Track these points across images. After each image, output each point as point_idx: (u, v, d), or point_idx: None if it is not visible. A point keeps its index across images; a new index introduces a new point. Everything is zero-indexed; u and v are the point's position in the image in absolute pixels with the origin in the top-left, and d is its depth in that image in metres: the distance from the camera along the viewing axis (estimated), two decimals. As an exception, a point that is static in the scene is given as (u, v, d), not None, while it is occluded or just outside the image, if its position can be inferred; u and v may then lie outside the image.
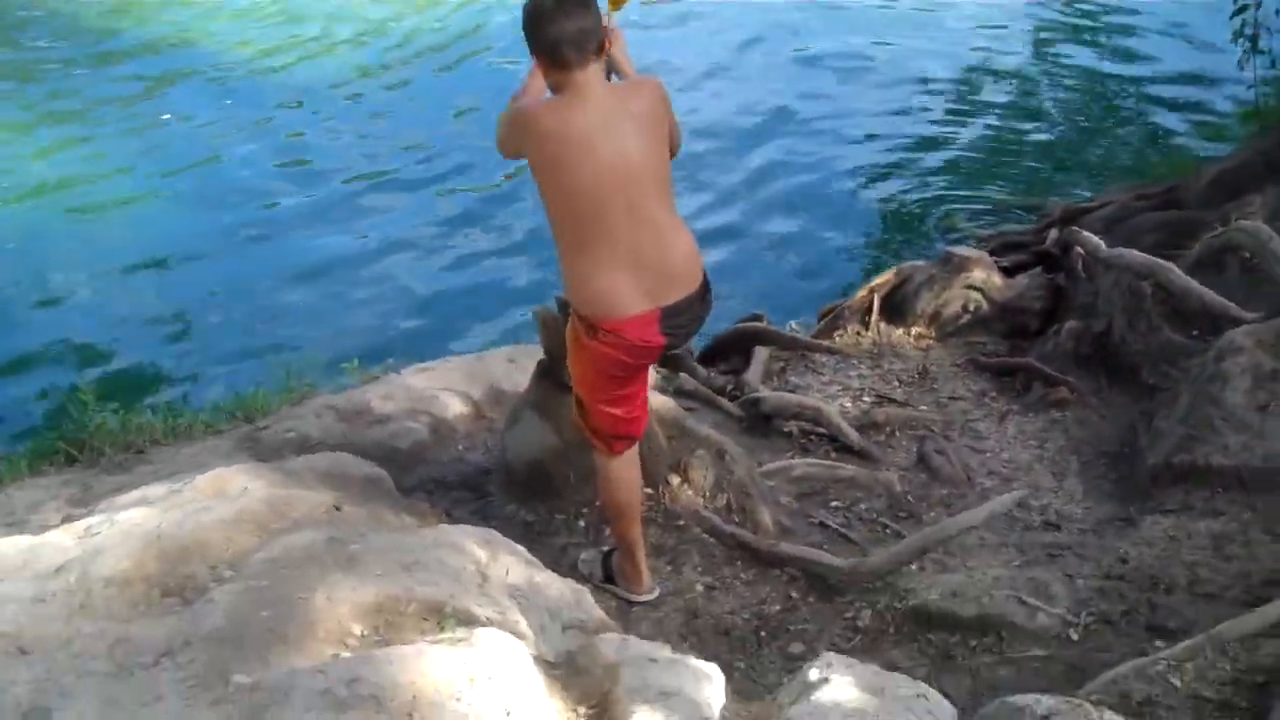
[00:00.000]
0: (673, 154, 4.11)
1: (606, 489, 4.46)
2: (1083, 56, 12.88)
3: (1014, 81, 12.26)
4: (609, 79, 4.14)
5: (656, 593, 4.59)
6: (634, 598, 4.56)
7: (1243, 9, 8.31)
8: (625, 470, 4.42)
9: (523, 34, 3.93)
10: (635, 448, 4.44)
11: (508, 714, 2.86)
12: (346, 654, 3.13)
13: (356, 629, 3.32)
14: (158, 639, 3.27)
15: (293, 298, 8.32)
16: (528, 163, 4.02)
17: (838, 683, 3.13)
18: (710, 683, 3.25)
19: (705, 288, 4.16)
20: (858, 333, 7.22)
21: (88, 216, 9.35)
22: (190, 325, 7.97)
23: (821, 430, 6.04)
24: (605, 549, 4.73)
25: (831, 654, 3.36)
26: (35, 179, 9.98)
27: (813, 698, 3.06)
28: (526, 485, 5.04)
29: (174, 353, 7.59)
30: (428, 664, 2.95)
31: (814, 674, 3.20)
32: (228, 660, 3.09)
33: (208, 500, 4.17)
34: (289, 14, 13.91)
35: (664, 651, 3.43)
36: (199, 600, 3.47)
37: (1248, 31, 8.32)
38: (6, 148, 10.42)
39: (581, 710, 3.19)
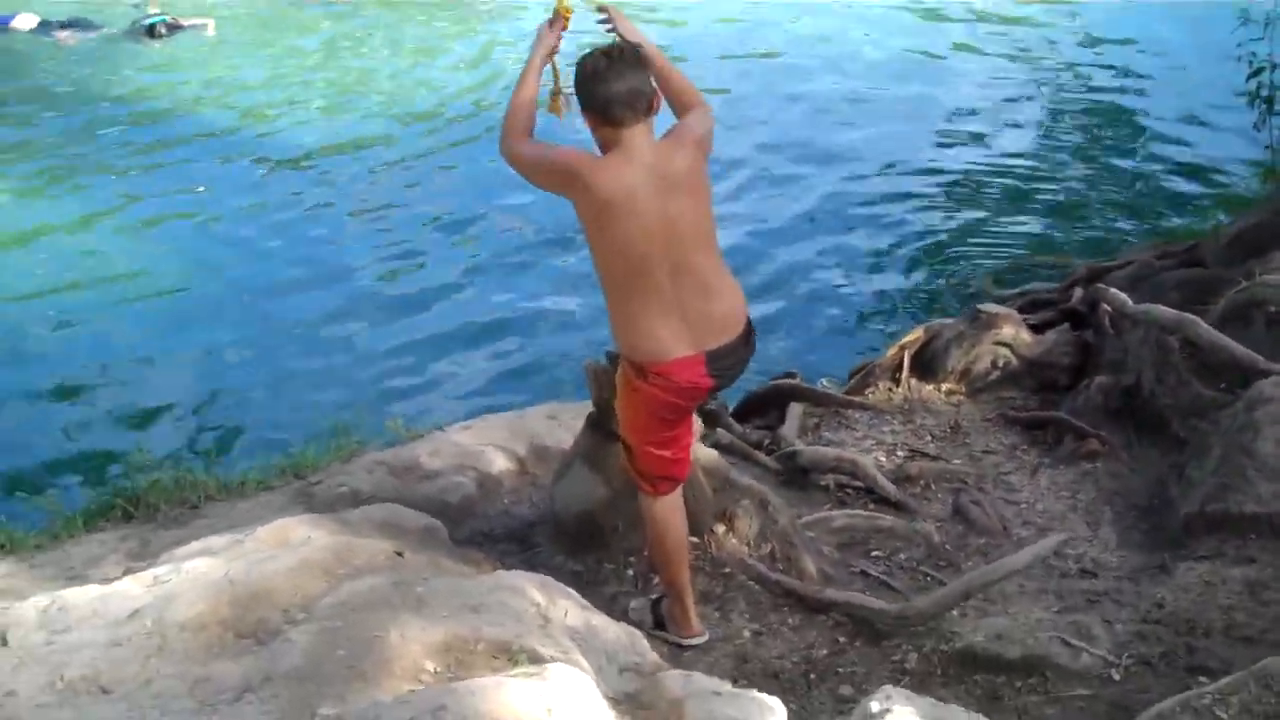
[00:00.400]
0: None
1: (654, 532, 4.58)
2: (1103, 118, 13.09)
3: (1036, 143, 12.46)
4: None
5: (706, 636, 4.69)
6: (685, 641, 4.66)
7: (1258, 71, 8.51)
8: (671, 513, 4.54)
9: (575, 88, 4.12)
10: (679, 492, 4.57)
11: (586, 734, 2.97)
12: (423, 688, 3.25)
13: (430, 666, 3.43)
14: (237, 677, 3.40)
15: (328, 359, 8.51)
16: (574, 207, 4.17)
17: (899, 713, 3.23)
18: (774, 715, 3.36)
19: (749, 331, 4.33)
20: (889, 389, 7.34)
21: (126, 285, 9.53)
22: (231, 389, 8.15)
23: (858, 484, 6.15)
24: (654, 596, 4.83)
25: (890, 687, 3.47)
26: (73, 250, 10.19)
27: (873, 723, 3.17)
28: (575, 535, 5.15)
29: (220, 415, 7.77)
30: (507, 694, 3.06)
31: (875, 705, 3.31)
32: (310, 695, 3.22)
33: (272, 549, 4.30)
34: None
35: (727, 686, 3.55)
36: (274, 641, 3.60)
37: (1263, 94, 8.51)
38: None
39: (651, 740, 3.31)
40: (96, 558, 5.21)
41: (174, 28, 15.53)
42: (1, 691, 3.40)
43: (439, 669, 3.42)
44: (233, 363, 8.41)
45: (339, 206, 11.31)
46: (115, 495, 5.74)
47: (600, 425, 4.99)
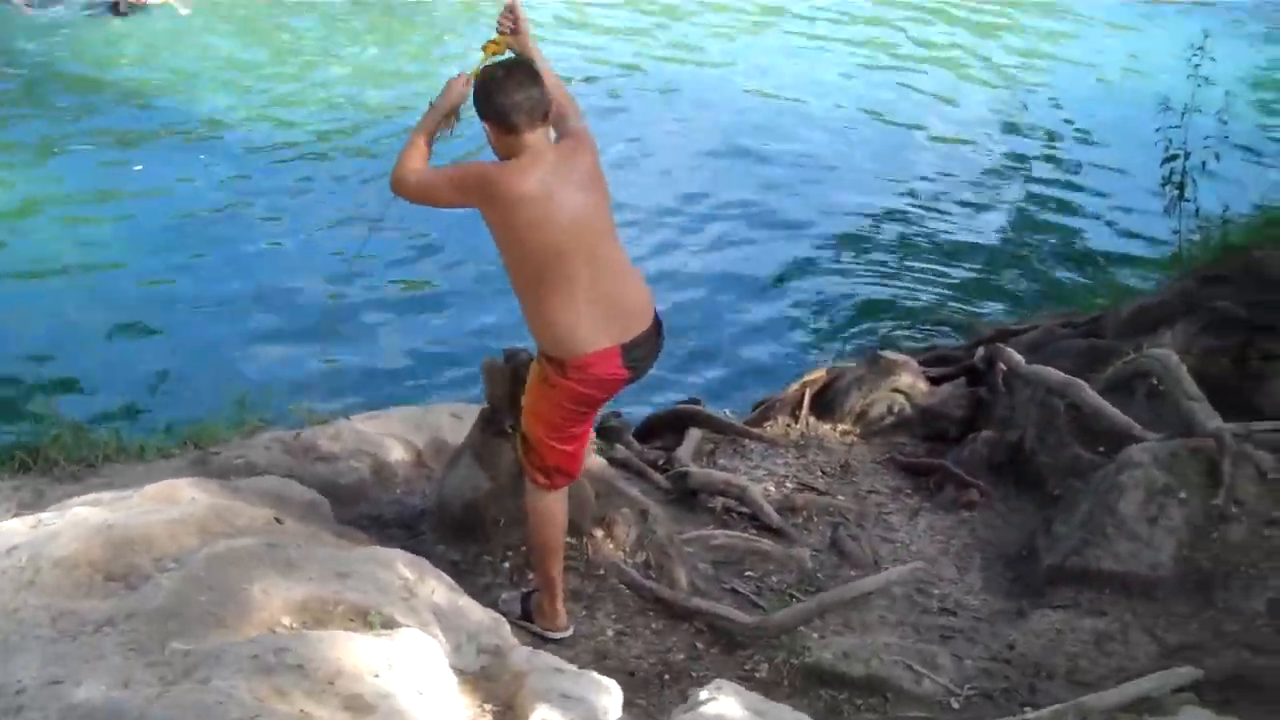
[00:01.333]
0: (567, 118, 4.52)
1: (536, 523, 4.76)
2: (1028, 189, 13.46)
3: (963, 207, 12.76)
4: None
5: (570, 631, 4.86)
6: (549, 634, 4.82)
7: (1171, 158, 8.83)
8: (557, 507, 4.73)
9: (474, 99, 4.35)
10: (566, 491, 4.76)
11: (420, 694, 3.14)
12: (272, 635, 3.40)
13: (287, 621, 3.58)
14: (101, 613, 3.54)
15: (248, 337, 8.63)
16: (486, 219, 4.36)
17: (725, 701, 3.43)
18: (609, 694, 3.55)
19: (658, 322, 4.56)
20: (787, 425, 7.54)
21: (60, 257, 9.61)
22: (148, 356, 8.25)
23: (744, 509, 6.34)
24: (525, 590, 5.00)
25: (722, 680, 3.66)
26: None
27: (699, 710, 3.35)
28: (458, 526, 5.29)
29: (131, 380, 7.87)
30: (352, 646, 3.23)
31: (704, 694, 3.51)
32: (167, 633, 3.36)
33: (156, 504, 4.43)
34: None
35: (570, 666, 3.73)
36: (143, 584, 3.73)
37: (1175, 180, 8.83)
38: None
39: (489, 708, 3.48)
40: (-12, 503, 5.33)
41: (136, 6, 15.47)
42: None
43: (295, 625, 3.56)
44: (157, 340, 8.50)
45: (288, 194, 11.37)
46: (15, 447, 5.84)
47: (492, 422, 5.17)
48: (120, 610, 3.52)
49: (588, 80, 14.81)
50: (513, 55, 4.64)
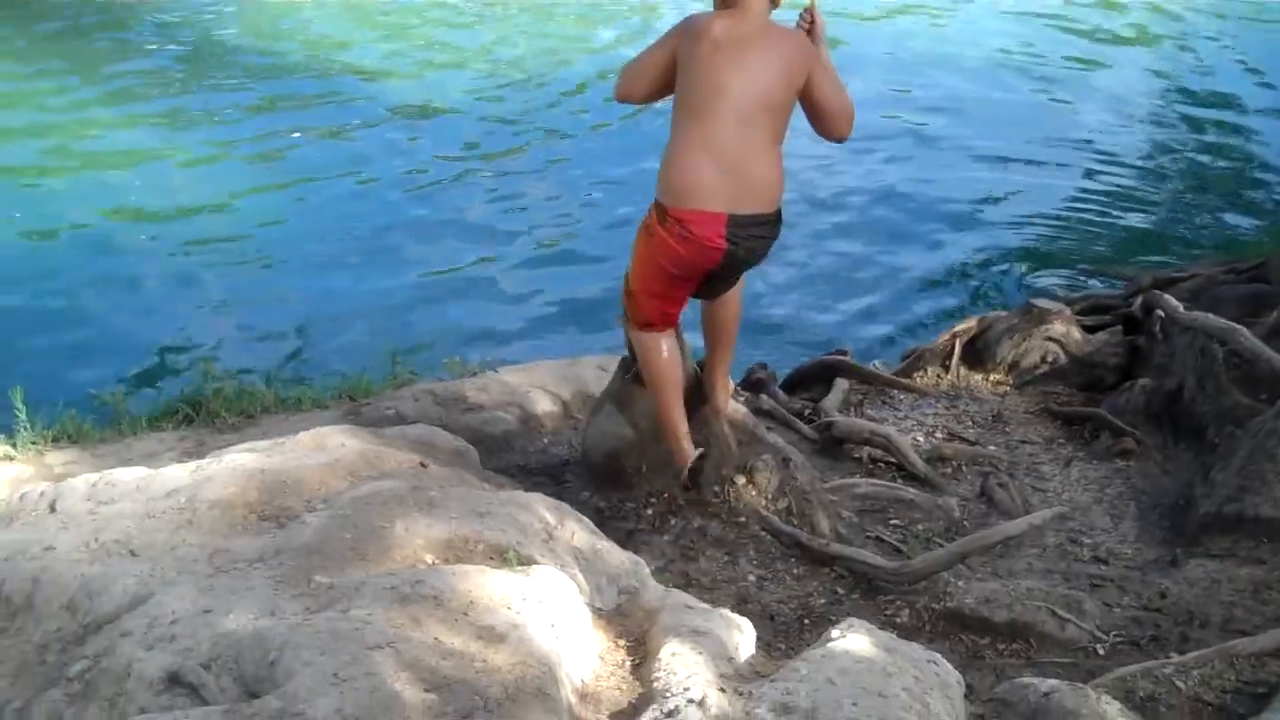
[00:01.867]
0: (828, 115, 4.64)
1: (646, 360, 4.90)
2: (1188, 133, 13.06)
3: (1121, 149, 12.43)
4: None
5: (697, 454, 4.97)
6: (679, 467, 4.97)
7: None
8: (666, 342, 4.86)
9: None
10: (670, 335, 4.89)
11: (552, 626, 3.20)
12: (410, 568, 3.50)
13: (428, 558, 3.67)
14: (253, 550, 3.68)
15: (400, 298, 8.83)
16: (679, 65, 4.52)
17: (855, 638, 3.42)
18: (740, 632, 3.58)
19: (778, 217, 4.60)
20: (938, 375, 7.47)
21: (219, 219, 9.91)
22: (307, 318, 8.49)
23: (891, 459, 6.33)
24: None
25: (854, 619, 3.66)
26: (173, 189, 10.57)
27: (829, 646, 3.36)
28: (601, 474, 5.37)
29: (287, 335, 8.15)
30: (487, 579, 3.31)
31: (836, 631, 3.51)
32: (312, 567, 3.48)
33: (308, 451, 4.58)
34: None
35: (701, 604, 3.76)
36: (292, 523, 3.87)
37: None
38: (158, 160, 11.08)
39: (622, 642, 3.53)
40: (154, 453, 5.56)
41: None
42: (41, 546, 3.70)
43: (436, 561, 3.66)
44: (303, 297, 8.74)
45: (439, 161, 11.57)
46: (179, 400, 6.08)
47: (630, 369, 5.22)
48: (270, 547, 3.65)
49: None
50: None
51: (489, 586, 3.27)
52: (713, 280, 4.74)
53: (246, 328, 8.35)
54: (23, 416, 5.71)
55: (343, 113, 12.34)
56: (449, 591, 3.20)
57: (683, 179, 4.45)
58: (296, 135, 11.50)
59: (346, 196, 10.52)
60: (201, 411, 5.96)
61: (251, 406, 6.00)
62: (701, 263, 4.56)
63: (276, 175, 10.86)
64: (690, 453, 4.95)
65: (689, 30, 4.50)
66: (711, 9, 4.61)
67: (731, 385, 5.24)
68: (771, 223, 4.58)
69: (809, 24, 4.72)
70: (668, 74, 4.60)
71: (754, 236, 4.54)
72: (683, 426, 4.95)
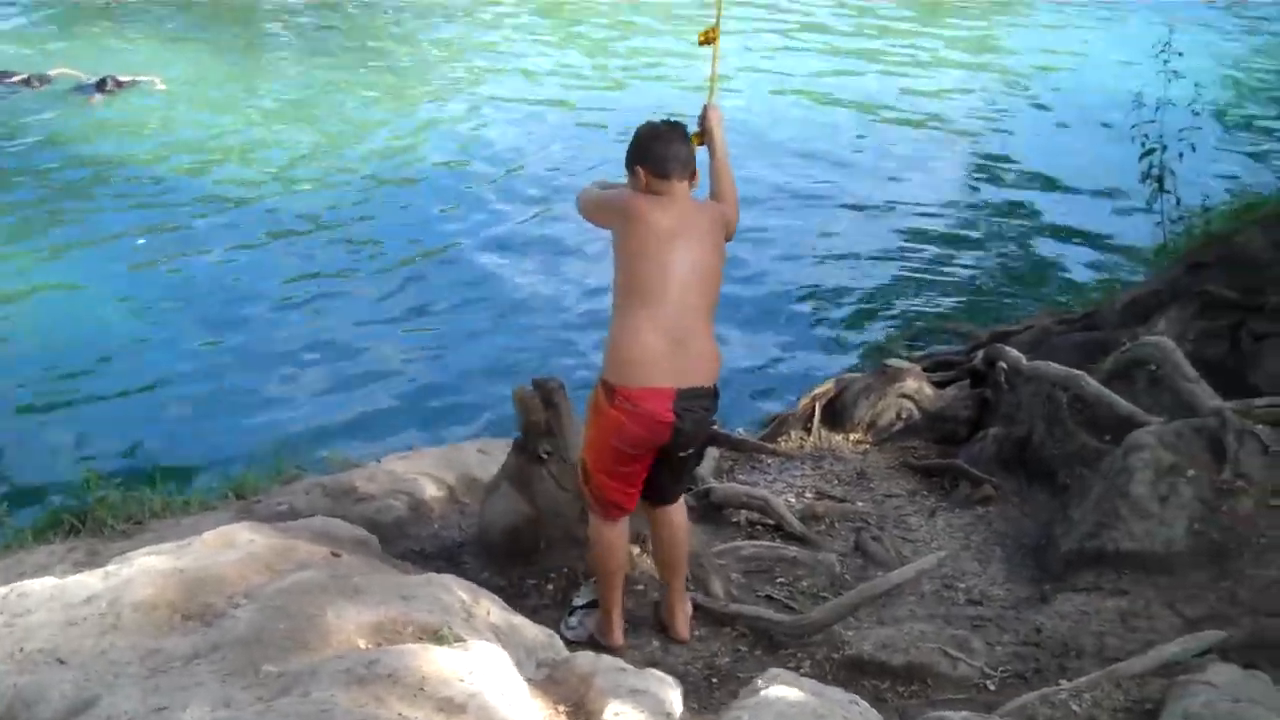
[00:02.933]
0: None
1: (597, 553, 5.06)
2: (1010, 193, 13.73)
3: (948, 213, 13.00)
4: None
5: (622, 643, 5.08)
6: (604, 642, 5.05)
7: (1149, 152, 9.13)
8: (617, 537, 5.02)
9: (630, 149, 4.85)
10: (626, 521, 5.03)
11: (502, 694, 3.34)
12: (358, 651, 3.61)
13: (362, 643, 3.77)
14: (186, 648, 3.74)
15: (270, 384, 8.84)
16: (613, 235, 4.85)
17: (782, 689, 3.63)
18: (673, 689, 3.75)
19: (716, 391, 4.88)
20: (801, 438, 7.76)
21: (72, 323, 9.78)
22: (174, 415, 8.45)
23: (768, 520, 6.56)
24: (579, 602, 5.22)
25: (777, 669, 3.87)
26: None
27: (759, 695, 3.56)
28: (501, 551, 5.52)
29: (164, 439, 8.09)
30: (433, 656, 3.44)
31: (760, 682, 3.71)
32: (255, 658, 3.57)
33: (218, 549, 4.63)
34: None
35: (631, 666, 3.93)
36: (221, 620, 3.94)
37: (1154, 173, 9.12)
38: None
39: (561, 708, 3.68)
40: (46, 565, 5.51)
41: (120, 84, 15.71)
42: (-37, 663, 3.70)
43: (370, 645, 3.77)
44: (178, 395, 8.68)
45: (290, 255, 11.56)
46: (63, 510, 6.05)
47: (526, 448, 5.39)
48: (205, 643, 3.72)
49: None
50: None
51: (437, 662, 3.40)
52: (661, 466, 4.93)
53: (96, 430, 8.26)
54: (-97, 537, 5.63)
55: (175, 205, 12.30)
56: (402, 669, 3.32)
57: (632, 358, 4.68)
58: (141, 241, 11.41)
59: (188, 298, 10.45)
60: (88, 520, 5.93)
61: (139, 512, 6.00)
62: (651, 438, 4.76)
63: (122, 270, 10.76)
64: (618, 638, 5.13)
65: (627, 213, 4.78)
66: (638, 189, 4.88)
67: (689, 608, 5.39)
68: (712, 396, 4.86)
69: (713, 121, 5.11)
70: (599, 223, 5.00)
71: (699, 409, 4.78)
72: (618, 609, 5.14)
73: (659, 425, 4.68)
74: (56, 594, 4.26)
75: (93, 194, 12.65)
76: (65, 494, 6.78)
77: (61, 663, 3.76)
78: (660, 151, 4.76)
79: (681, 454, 4.89)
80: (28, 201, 12.42)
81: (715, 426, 7.68)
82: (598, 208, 4.98)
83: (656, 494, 5.05)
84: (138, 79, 16.06)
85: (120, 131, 14.47)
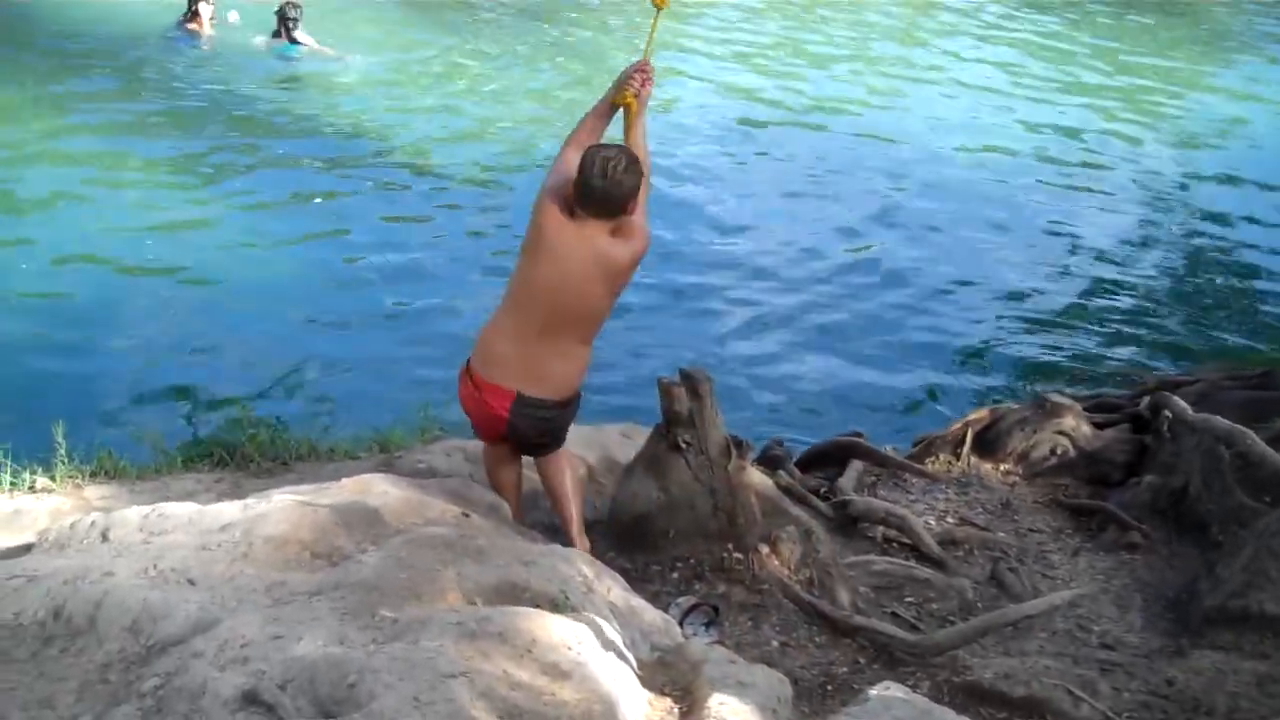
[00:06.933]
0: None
1: (483, 460, 5.54)
2: (1194, 239, 13.29)
3: (1132, 260, 12.63)
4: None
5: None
6: None
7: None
8: (493, 451, 5.37)
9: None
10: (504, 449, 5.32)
11: (609, 668, 3.34)
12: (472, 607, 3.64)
13: (479, 602, 3.81)
14: (310, 585, 3.82)
15: (428, 350, 8.94)
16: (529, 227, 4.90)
17: (891, 699, 3.57)
18: (782, 684, 3.72)
19: (564, 405, 5.03)
20: (949, 461, 7.62)
21: (242, 270, 10.00)
22: (336, 366, 8.62)
23: (904, 540, 6.46)
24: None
25: (892, 682, 3.80)
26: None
27: (869, 703, 3.50)
28: (630, 535, 5.50)
29: (321, 386, 8.26)
30: (545, 622, 3.45)
31: (874, 691, 3.65)
32: (373, 601, 3.62)
33: (354, 495, 4.72)
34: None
35: (742, 659, 3.90)
36: (346, 562, 4.01)
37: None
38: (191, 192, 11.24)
39: (668, 690, 3.67)
40: (191, 492, 5.68)
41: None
42: (101, 571, 3.82)
43: (486, 605, 3.80)
44: (340, 351, 8.81)
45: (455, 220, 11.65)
46: (214, 443, 6.22)
47: (666, 436, 5.38)
48: (329, 582, 3.79)
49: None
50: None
51: (548, 628, 3.41)
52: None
53: (260, 376, 8.45)
54: (62, 450, 5.83)
55: (370, 170, 12.44)
56: (512, 630, 3.33)
57: (487, 354, 4.96)
58: (318, 200, 11.60)
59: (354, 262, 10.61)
60: (236, 455, 6.09)
61: (286, 453, 6.14)
62: (487, 425, 5.09)
63: (302, 226, 10.96)
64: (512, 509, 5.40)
65: (539, 218, 4.83)
66: None
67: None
68: (557, 407, 5.00)
69: (640, 84, 5.01)
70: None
71: (538, 418, 4.99)
72: (505, 494, 5.43)
73: (494, 417, 4.97)
74: (195, 519, 4.40)
75: (278, 149, 12.88)
76: (219, 427, 6.93)
77: (191, 583, 3.87)
78: (592, 182, 4.66)
79: (530, 444, 5.19)
80: (218, 146, 12.71)
81: (861, 439, 7.65)
82: (543, 192, 4.90)
83: (526, 452, 5.36)
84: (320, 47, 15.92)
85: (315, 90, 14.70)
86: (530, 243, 4.86)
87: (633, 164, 4.71)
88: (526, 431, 5.05)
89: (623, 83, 5.03)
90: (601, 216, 4.74)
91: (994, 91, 17.43)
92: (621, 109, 5.07)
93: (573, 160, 4.79)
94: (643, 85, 5.02)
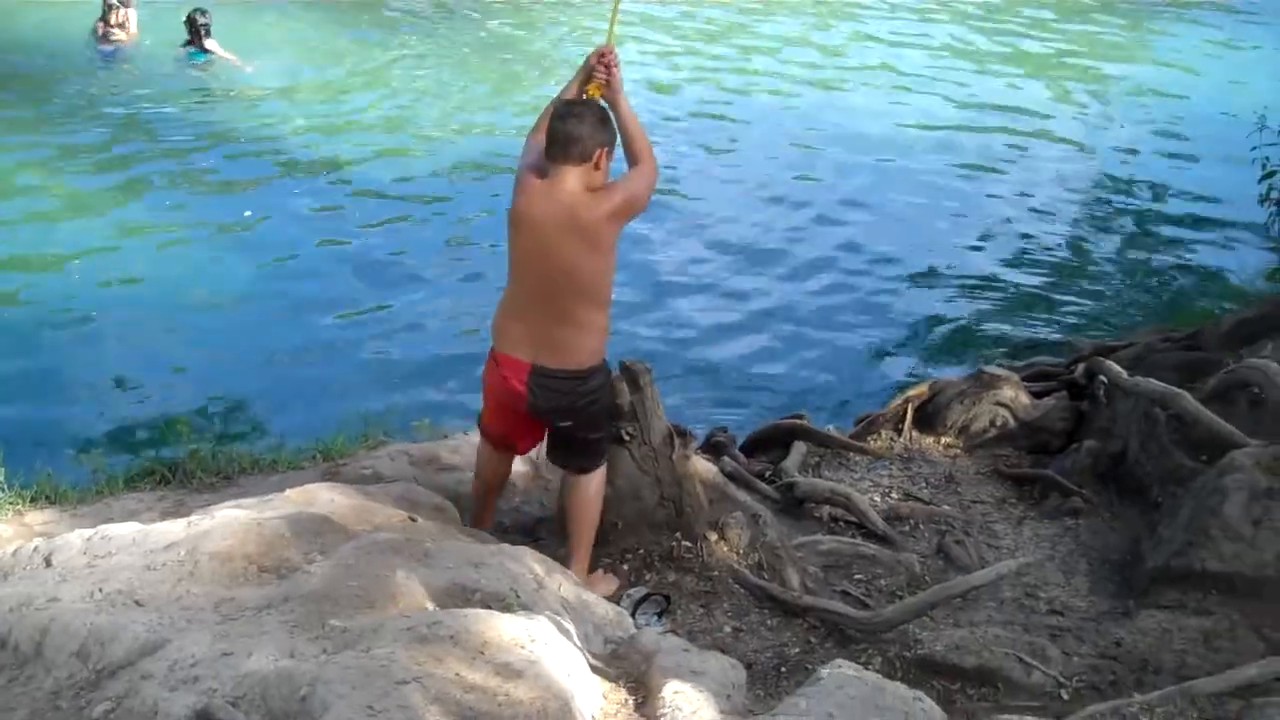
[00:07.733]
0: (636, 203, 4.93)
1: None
2: (1120, 206, 13.41)
3: (1059, 228, 12.74)
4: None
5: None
6: None
7: (1270, 174, 8.90)
8: (484, 450, 5.44)
9: None
10: (500, 452, 5.44)
11: (563, 665, 3.35)
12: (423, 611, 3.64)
13: (429, 605, 3.81)
14: (259, 599, 3.80)
15: (366, 357, 8.91)
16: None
17: (844, 677, 3.60)
18: (735, 670, 3.75)
19: (582, 377, 4.96)
20: (891, 438, 7.68)
21: (171, 289, 9.90)
22: (274, 378, 8.55)
23: (850, 518, 6.52)
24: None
25: (843, 660, 3.84)
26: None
27: (820, 683, 3.54)
28: (577, 529, 5.51)
29: (260, 400, 8.21)
30: (497, 622, 3.46)
31: (825, 670, 3.68)
32: (324, 612, 3.61)
33: (298, 506, 4.71)
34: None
35: (695, 647, 3.93)
36: (294, 574, 3.99)
37: (1275, 196, 8.89)
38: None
39: (622, 683, 3.69)
40: (134, 512, 5.64)
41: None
42: (45, 598, 3.79)
43: (436, 608, 3.80)
44: (277, 364, 8.75)
45: (390, 231, 11.59)
46: (156, 461, 6.19)
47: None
48: (277, 595, 3.77)
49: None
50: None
51: (500, 628, 3.41)
52: (553, 435, 5.25)
53: (196, 393, 8.38)
54: (0, 476, 5.78)
55: (299, 181, 12.35)
56: (464, 632, 3.34)
57: (500, 328, 5.02)
58: (248, 214, 11.47)
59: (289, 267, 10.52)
60: (178, 472, 6.05)
61: (229, 468, 6.11)
62: (510, 401, 5.07)
63: (232, 241, 10.87)
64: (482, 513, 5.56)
65: (520, 184, 4.89)
66: None
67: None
68: (574, 378, 4.95)
69: (605, 73, 4.96)
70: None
71: (554, 390, 4.95)
72: (484, 512, 5.57)
73: (513, 391, 4.98)
74: (139, 539, 4.36)
75: (205, 160, 12.75)
76: (160, 445, 6.89)
77: (138, 605, 3.84)
78: (555, 126, 4.73)
79: (557, 423, 5.11)
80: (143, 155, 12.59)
81: (803, 421, 7.70)
82: (518, 170, 4.97)
83: (556, 459, 5.36)
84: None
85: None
86: (510, 216, 4.88)
87: (602, 118, 4.79)
88: (546, 408, 4.99)
89: (588, 72, 5.00)
90: (568, 161, 4.70)
91: (916, 76, 17.51)
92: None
93: (541, 139, 4.85)
94: (609, 72, 4.96)
